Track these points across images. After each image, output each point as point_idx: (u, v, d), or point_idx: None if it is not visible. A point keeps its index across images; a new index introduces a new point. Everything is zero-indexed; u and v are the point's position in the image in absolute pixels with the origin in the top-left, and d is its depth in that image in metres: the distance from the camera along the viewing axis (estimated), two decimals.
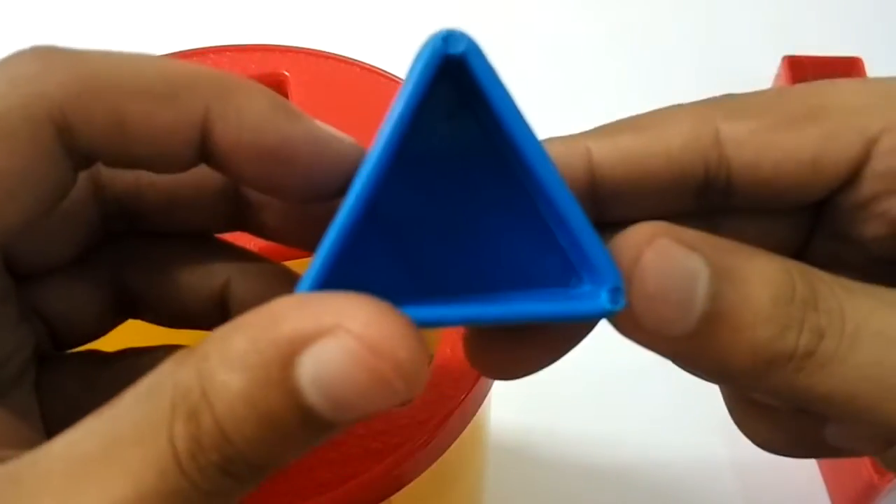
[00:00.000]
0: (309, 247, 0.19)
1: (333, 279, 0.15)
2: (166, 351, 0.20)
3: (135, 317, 0.20)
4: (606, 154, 0.18)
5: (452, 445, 0.24)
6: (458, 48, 0.14)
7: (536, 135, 0.15)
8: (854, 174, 0.17)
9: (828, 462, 0.41)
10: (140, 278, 0.20)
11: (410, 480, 0.23)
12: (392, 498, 0.23)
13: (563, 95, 0.54)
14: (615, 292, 0.15)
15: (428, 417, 0.23)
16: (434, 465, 0.23)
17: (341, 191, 0.15)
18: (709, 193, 0.18)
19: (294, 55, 0.30)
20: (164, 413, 0.13)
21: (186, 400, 0.13)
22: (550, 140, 0.18)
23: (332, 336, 0.13)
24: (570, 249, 0.16)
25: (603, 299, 0.15)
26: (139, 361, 0.19)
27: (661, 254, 0.15)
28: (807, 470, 0.42)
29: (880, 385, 0.15)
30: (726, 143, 0.17)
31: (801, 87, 0.18)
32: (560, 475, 0.42)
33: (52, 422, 0.18)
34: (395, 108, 0.15)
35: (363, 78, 0.30)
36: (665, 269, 0.15)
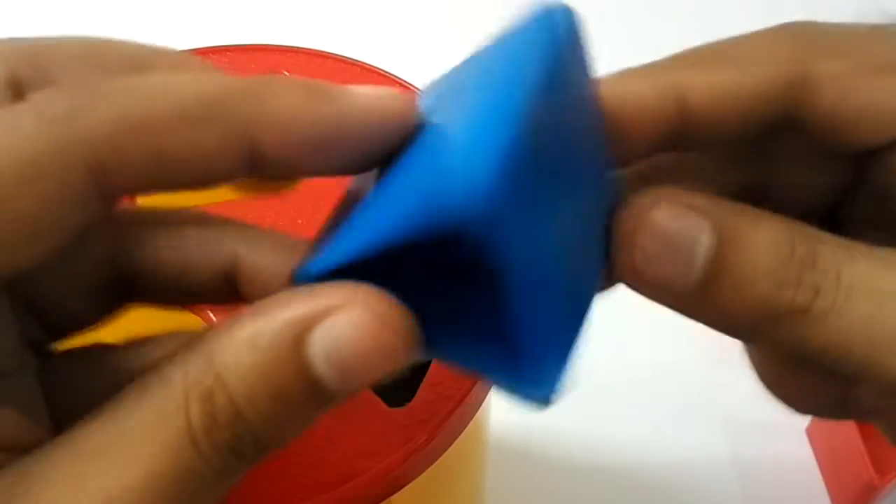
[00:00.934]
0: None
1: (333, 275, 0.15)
2: (172, 337, 0.19)
3: (135, 300, 0.20)
4: (701, 93, 0.18)
5: (452, 445, 0.24)
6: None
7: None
8: None
9: (828, 462, 0.41)
10: (139, 257, 0.19)
11: (410, 480, 0.23)
12: (392, 498, 0.23)
13: None
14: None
15: (428, 417, 0.23)
16: (434, 465, 0.23)
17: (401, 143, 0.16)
18: (783, 130, 0.18)
19: (294, 55, 0.30)
20: (176, 399, 0.14)
21: (200, 384, 0.14)
22: (633, 72, 0.18)
23: (344, 311, 0.15)
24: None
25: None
26: (146, 349, 0.19)
27: (662, 216, 0.17)
28: (807, 470, 0.42)
29: (873, 340, 0.16)
30: (812, 83, 0.18)
31: (891, 34, 0.18)
32: (560, 475, 0.42)
33: (63, 415, 0.18)
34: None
35: (363, 78, 0.30)
36: (666, 230, 0.16)
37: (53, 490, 0.14)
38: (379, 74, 0.30)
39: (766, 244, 0.17)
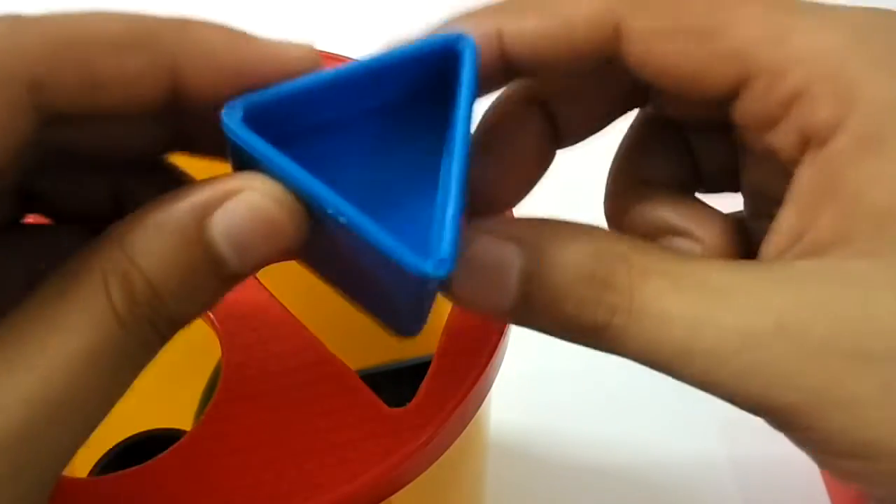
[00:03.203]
0: None
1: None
2: (65, 230, 0.21)
3: (31, 212, 0.21)
4: (515, 38, 0.19)
5: (452, 446, 0.24)
6: (460, 46, 0.18)
7: (469, 136, 0.18)
8: (730, 98, 0.19)
9: None
10: (47, 184, 0.20)
11: (410, 480, 0.23)
12: (392, 498, 0.23)
13: None
14: (439, 263, 0.17)
15: (428, 417, 0.23)
16: (434, 466, 0.23)
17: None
18: (609, 66, 0.20)
19: None
20: (96, 283, 0.16)
21: (116, 269, 0.16)
22: (465, 17, 0.20)
23: (241, 194, 0.17)
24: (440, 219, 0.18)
25: (427, 264, 0.17)
26: (40, 236, 0.21)
27: (480, 248, 0.19)
28: (807, 470, 0.42)
29: (657, 357, 0.18)
30: (623, 37, 0.19)
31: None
32: (560, 475, 0.42)
33: None
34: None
35: None
36: (483, 260, 0.19)
37: (12, 365, 0.16)
38: None
39: (570, 267, 0.18)
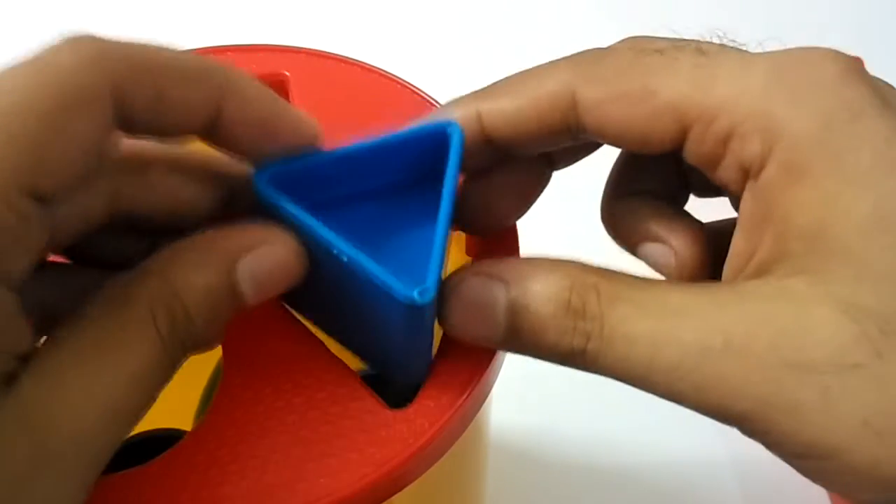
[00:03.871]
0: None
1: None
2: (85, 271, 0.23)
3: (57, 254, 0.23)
4: (492, 117, 0.23)
5: (453, 447, 0.24)
6: (450, 129, 0.22)
7: (452, 206, 0.22)
8: (677, 147, 0.22)
9: None
10: (94, 240, 0.22)
11: (411, 481, 0.23)
12: (393, 498, 0.23)
13: None
14: (423, 291, 0.20)
15: (429, 419, 0.23)
16: (435, 467, 0.23)
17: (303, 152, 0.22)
18: (578, 137, 0.23)
19: (294, 55, 0.31)
20: (144, 311, 0.19)
21: (162, 300, 0.19)
22: (451, 104, 0.23)
23: (266, 245, 0.21)
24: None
25: (414, 291, 0.20)
26: (61, 273, 0.23)
27: (468, 289, 0.21)
28: None
29: (626, 375, 0.20)
30: (579, 108, 0.22)
31: (645, 63, 0.22)
32: (560, 475, 0.42)
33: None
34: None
35: (363, 78, 0.30)
36: (470, 299, 0.21)
37: (75, 379, 0.18)
38: (379, 74, 0.30)
39: (549, 300, 0.20)
